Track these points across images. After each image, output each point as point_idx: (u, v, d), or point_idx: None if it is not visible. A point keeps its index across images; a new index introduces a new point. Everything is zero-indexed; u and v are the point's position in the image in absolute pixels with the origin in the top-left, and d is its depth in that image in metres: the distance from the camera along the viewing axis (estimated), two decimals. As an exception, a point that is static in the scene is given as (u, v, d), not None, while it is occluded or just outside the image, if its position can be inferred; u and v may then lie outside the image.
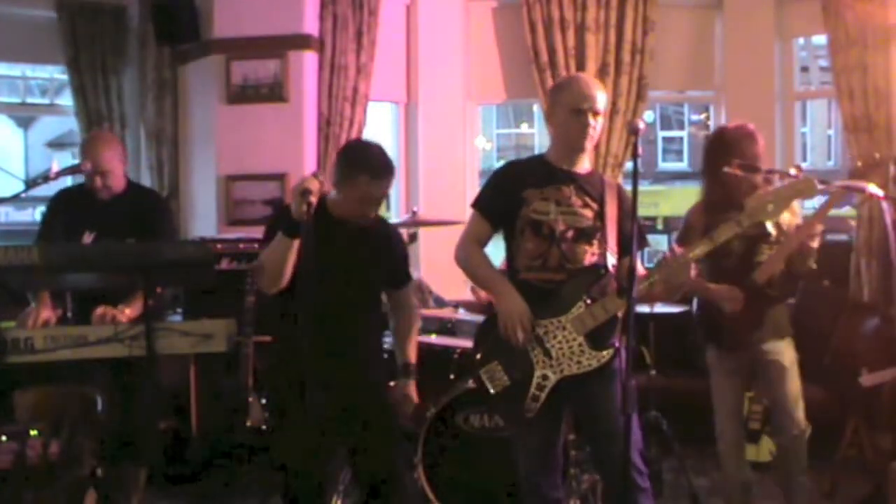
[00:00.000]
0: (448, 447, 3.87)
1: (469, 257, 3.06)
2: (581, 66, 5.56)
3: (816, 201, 5.10)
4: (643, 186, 9.78)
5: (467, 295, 4.98)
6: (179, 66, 5.73)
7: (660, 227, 17.27)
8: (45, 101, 15.33)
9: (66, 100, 6.09)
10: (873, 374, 4.01)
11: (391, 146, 5.86)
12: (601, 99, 2.98)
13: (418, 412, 3.39)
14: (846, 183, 3.59)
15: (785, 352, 3.55)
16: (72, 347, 2.86)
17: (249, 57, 5.37)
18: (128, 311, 3.39)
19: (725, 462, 3.64)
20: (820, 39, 6.14)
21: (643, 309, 3.94)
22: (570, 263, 2.95)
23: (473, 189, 5.66)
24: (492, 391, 2.98)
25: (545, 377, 2.90)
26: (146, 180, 5.71)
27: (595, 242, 2.98)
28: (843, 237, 5.61)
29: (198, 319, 3.06)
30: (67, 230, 3.64)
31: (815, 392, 3.85)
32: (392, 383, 3.26)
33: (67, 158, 13.55)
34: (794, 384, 3.53)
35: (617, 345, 2.91)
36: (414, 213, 4.66)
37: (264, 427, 4.24)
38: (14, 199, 3.69)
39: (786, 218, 3.46)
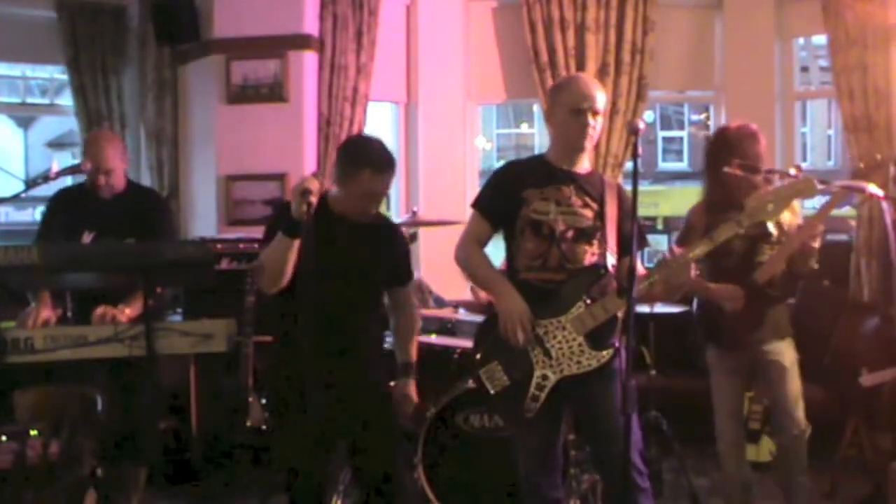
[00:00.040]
0: (448, 447, 3.87)
1: (469, 257, 3.06)
2: (581, 66, 5.56)
3: (817, 201, 5.11)
4: (643, 186, 9.78)
5: (467, 295, 4.98)
6: (179, 66, 5.74)
7: (660, 227, 17.27)
8: (45, 101, 15.34)
9: (66, 100, 6.09)
10: (873, 374, 4.01)
11: (391, 146, 5.84)
12: (601, 99, 2.98)
13: (418, 412, 3.38)
14: (846, 183, 3.59)
15: (785, 352, 3.55)
16: (72, 347, 2.86)
17: (249, 57, 5.37)
18: (128, 311, 3.39)
19: (725, 462, 3.64)
20: (820, 39, 6.14)
21: (643, 309, 3.94)
22: (570, 263, 2.95)
23: (473, 189, 5.66)
24: (491, 391, 2.98)
25: (545, 377, 2.90)
26: (146, 180, 5.71)
27: (595, 242, 2.98)
28: (843, 237, 5.62)
29: (198, 319, 3.06)
30: (67, 230, 3.64)
31: (815, 392, 3.85)
32: (392, 383, 3.26)
33: (67, 158, 13.55)
34: (794, 384, 3.53)
35: (617, 345, 2.91)
36: (414, 213, 4.67)
37: (264, 427, 4.24)
38: (14, 199, 3.69)
39: (787, 218, 3.47)
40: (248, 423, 4.25)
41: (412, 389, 3.17)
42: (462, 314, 4.60)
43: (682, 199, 15.67)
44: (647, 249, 3.27)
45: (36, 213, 12.81)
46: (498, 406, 3.30)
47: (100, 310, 3.35)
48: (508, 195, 3.03)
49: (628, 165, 5.55)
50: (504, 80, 6.04)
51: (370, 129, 5.69)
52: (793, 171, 3.27)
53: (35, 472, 3.01)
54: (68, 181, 3.85)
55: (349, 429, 3.03)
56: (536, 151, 4.92)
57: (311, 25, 5.39)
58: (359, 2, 5.45)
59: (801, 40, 6.45)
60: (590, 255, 2.97)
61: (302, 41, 5.37)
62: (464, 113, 6.07)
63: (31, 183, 3.64)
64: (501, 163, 3.89)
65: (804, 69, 11.19)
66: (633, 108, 5.61)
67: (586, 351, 2.88)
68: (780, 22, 5.77)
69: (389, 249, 3.14)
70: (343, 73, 5.41)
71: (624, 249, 2.97)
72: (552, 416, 2.98)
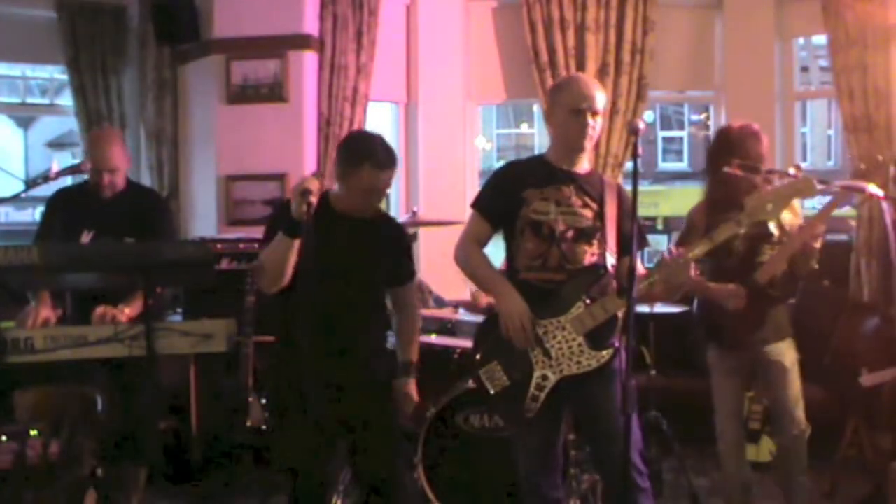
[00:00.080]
0: (448, 447, 3.87)
1: (469, 257, 3.06)
2: (581, 66, 5.56)
3: (817, 201, 5.10)
4: (643, 186, 9.78)
5: (467, 295, 4.98)
6: (179, 66, 5.73)
7: (660, 227, 17.29)
8: (45, 101, 15.33)
9: (66, 100, 6.09)
10: (873, 374, 4.01)
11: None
12: (600, 99, 2.98)
13: (418, 412, 3.38)
14: (846, 183, 3.59)
15: (786, 353, 3.55)
16: (72, 347, 2.86)
17: (249, 57, 5.37)
18: (128, 311, 3.39)
19: (725, 462, 3.65)
20: (820, 39, 6.14)
21: (643, 309, 3.94)
22: (570, 263, 2.95)
23: (473, 189, 5.66)
24: (491, 391, 2.98)
25: (545, 377, 2.90)
26: (146, 180, 5.71)
27: (595, 242, 2.98)
28: (843, 237, 5.61)
29: (198, 319, 3.06)
30: (66, 229, 3.64)
31: (815, 392, 3.85)
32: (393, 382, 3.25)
33: (67, 158, 13.56)
34: (795, 385, 3.53)
35: (616, 345, 2.91)
36: (414, 213, 4.67)
37: (264, 427, 4.24)
38: (14, 199, 3.70)
39: (788, 218, 3.47)
40: (248, 423, 4.25)
41: (412, 389, 3.16)
42: (462, 314, 4.60)
43: (682, 199, 15.68)
44: (647, 249, 3.27)
45: (36, 213, 12.81)
46: (498, 406, 3.30)
47: (100, 310, 3.36)
48: (508, 195, 3.02)
49: (628, 165, 5.55)
50: (504, 80, 6.03)
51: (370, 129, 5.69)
52: (792, 171, 3.27)
53: (35, 472, 3.01)
54: (68, 181, 3.86)
55: (349, 429, 3.02)
56: (536, 151, 4.92)
57: (311, 25, 5.39)
58: (359, 2, 5.45)
59: (801, 40, 6.45)
60: (589, 256, 2.97)
61: (302, 41, 5.37)
62: (464, 113, 6.07)
63: (31, 183, 3.64)
64: (501, 163, 3.89)
65: (804, 69, 11.19)
66: (633, 108, 5.61)
67: (586, 351, 2.88)
68: (780, 22, 5.77)
69: (390, 248, 3.12)
70: (343, 73, 5.41)
71: (624, 249, 2.97)
72: (552, 416, 2.98)
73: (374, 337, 3.13)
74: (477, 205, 3.11)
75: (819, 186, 3.02)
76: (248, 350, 4.28)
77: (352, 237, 3.00)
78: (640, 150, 2.70)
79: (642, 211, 2.84)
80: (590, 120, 2.95)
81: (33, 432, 3.29)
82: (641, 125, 2.70)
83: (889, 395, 4.16)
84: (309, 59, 5.39)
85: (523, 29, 5.68)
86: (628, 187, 2.83)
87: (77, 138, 6.16)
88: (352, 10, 5.42)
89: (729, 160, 3.40)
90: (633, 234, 2.70)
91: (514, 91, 6.07)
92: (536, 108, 16.84)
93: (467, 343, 3.74)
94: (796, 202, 3.54)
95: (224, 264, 4.63)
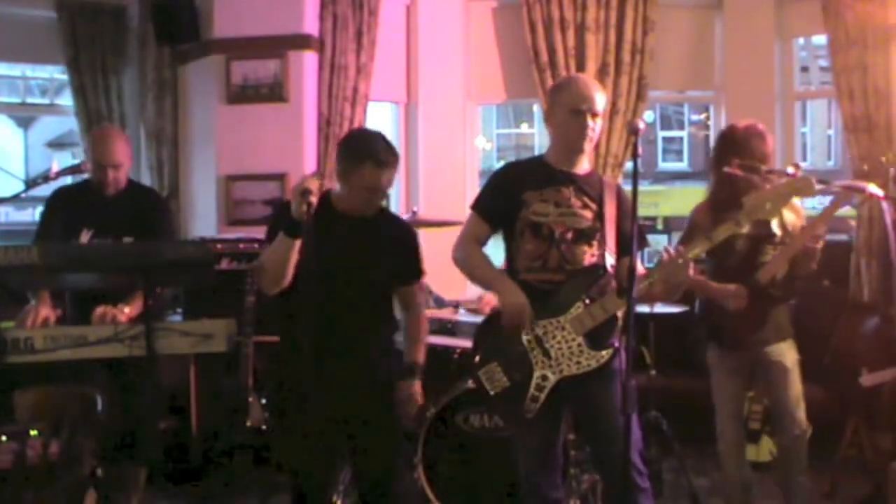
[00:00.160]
0: (448, 447, 3.87)
1: (469, 257, 3.06)
2: (581, 66, 5.56)
3: (817, 202, 5.10)
4: (643, 186, 9.78)
5: (467, 295, 4.98)
6: (179, 66, 5.74)
7: (660, 227, 17.30)
8: (45, 101, 15.33)
9: (66, 100, 6.09)
10: (873, 374, 4.01)
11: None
12: (600, 100, 2.98)
13: (419, 412, 3.38)
14: (845, 183, 3.59)
15: (787, 353, 3.55)
16: (72, 347, 2.86)
17: (249, 57, 5.37)
18: (128, 311, 3.39)
19: (725, 462, 3.65)
20: (820, 39, 6.14)
21: (643, 309, 3.93)
22: (570, 264, 2.95)
23: (473, 189, 5.67)
24: (491, 392, 2.98)
25: (544, 377, 2.90)
26: (146, 180, 5.71)
27: (594, 243, 2.98)
28: (843, 237, 5.61)
29: (198, 319, 3.05)
30: (66, 228, 3.64)
31: (815, 392, 3.85)
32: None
33: (67, 158, 13.57)
34: (796, 385, 3.54)
35: (616, 345, 2.91)
36: (414, 213, 4.66)
37: (264, 427, 4.24)
38: (14, 199, 3.70)
39: (791, 219, 3.47)
40: (248, 423, 4.25)
41: (416, 390, 3.12)
42: (462, 314, 4.60)
43: (682, 199, 15.70)
44: (647, 249, 3.27)
45: (36, 214, 12.80)
46: (498, 407, 3.30)
47: (100, 310, 3.35)
48: (508, 197, 3.03)
49: (628, 165, 5.55)
50: (504, 80, 6.04)
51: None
52: (791, 171, 3.27)
53: (35, 472, 3.01)
54: (68, 181, 3.86)
55: (349, 429, 3.02)
56: (536, 151, 4.92)
57: (311, 25, 5.39)
58: (359, 2, 5.45)
59: (801, 40, 6.45)
60: (589, 256, 2.97)
61: (302, 41, 5.37)
62: (464, 113, 6.07)
63: (31, 183, 3.64)
64: (501, 163, 3.89)
65: (804, 69, 11.19)
66: (633, 108, 5.61)
67: (585, 351, 2.88)
68: (780, 22, 5.77)
69: (391, 247, 3.08)
70: (343, 73, 5.41)
71: (623, 250, 2.97)
72: (552, 416, 2.98)
73: (375, 337, 3.09)
74: (476, 206, 3.12)
75: (818, 186, 3.02)
76: (248, 350, 4.28)
77: (352, 237, 2.99)
78: (640, 150, 2.69)
79: (642, 211, 2.84)
80: (589, 121, 2.95)
81: (33, 432, 3.29)
82: (641, 125, 2.70)
83: (889, 395, 4.15)
84: (309, 59, 5.39)
85: (523, 29, 5.68)
86: (628, 187, 2.83)
87: (77, 138, 6.17)
88: (352, 10, 5.42)
89: (733, 160, 3.40)
90: (632, 234, 2.70)
91: (514, 91, 6.07)
92: (536, 108, 16.84)
93: (467, 343, 3.73)
94: (798, 203, 3.55)
95: (224, 264, 4.63)
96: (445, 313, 4.64)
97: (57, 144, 16.89)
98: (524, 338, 2.93)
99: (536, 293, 2.92)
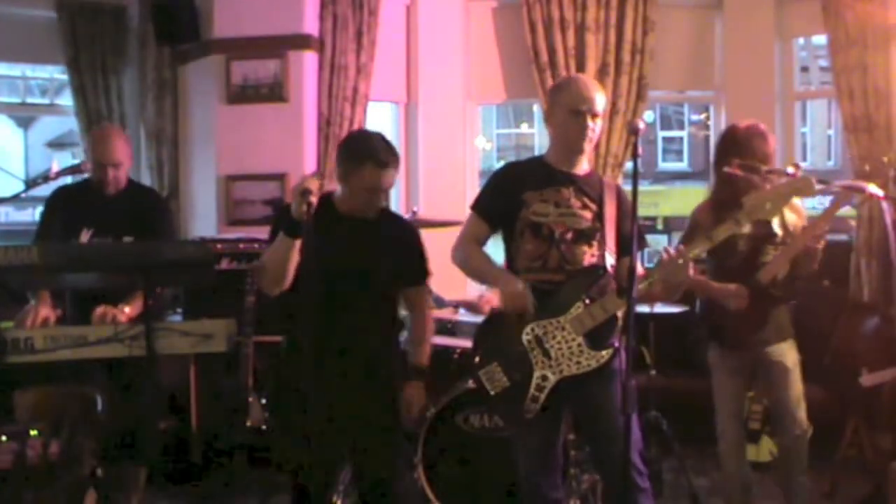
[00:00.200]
0: (448, 447, 3.87)
1: (469, 257, 3.07)
2: (581, 66, 5.56)
3: (817, 202, 5.09)
4: (643, 186, 9.78)
5: (467, 295, 4.98)
6: (179, 66, 5.73)
7: (660, 227, 17.30)
8: (45, 101, 15.32)
9: (66, 100, 6.09)
10: (873, 374, 4.01)
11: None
12: (600, 101, 2.98)
13: (420, 414, 3.38)
14: (845, 183, 3.59)
15: (788, 353, 3.55)
16: (72, 347, 2.86)
17: (249, 57, 5.37)
18: (128, 311, 3.39)
19: (726, 462, 3.65)
20: (820, 39, 6.14)
21: (643, 309, 3.93)
22: (570, 264, 2.95)
23: (473, 189, 5.67)
24: (491, 392, 2.98)
25: (544, 378, 2.89)
26: (146, 180, 5.71)
27: (594, 243, 2.98)
28: (843, 237, 5.61)
29: (198, 319, 3.06)
30: (66, 227, 3.64)
31: (815, 392, 3.85)
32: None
33: (67, 158, 13.56)
34: (797, 385, 3.54)
35: (616, 345, 2.91)
36: (414, 213, 4.66)
37: (264, 427, 4.24)
38: (14, 199, 3.70)
39: (792, 219, 3.48)
40: (248, 423, 4.25)
41: (418, 393, 3.11)
42: (462, 314, 4.60)
43: (682, 199, 15.71)
44: (647, 250, 3.27)
45: (36, 214, 12.80)
46: (498, 407, 3.30)
47: (100, 310, 3.36)
48: (508, 197, 3.03)
49: (628, 165, 5.55)
50: (504, 80, 6.03)
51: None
52: (791, 170, 3.27)
53: (35, 472, 3.01)
54: (68, 181, 3.86)
55: (349, 429, 3.02)
56: (536, 151, 4.92)
57: (311, 25, 5.39)
58: (359, 2, 5.45)
59: (801, 40, 6.44)
60: (589, 256, 2.97)
61: (302, 41, 5.37)
62: (464, 113, 6.07)
63: (31, 183, 3.64)
64: (501, 163, 3.89)
65: (804, 69, 11.18)
66: (633, 108, 5.61)
67: (585, 351, 2.88)
68: (780, 22, 5.77)
69: (391, 247, 3.07)
70: (343, 73, 5.41)
71: (623, 250, 2.97)
72: (552, 416, 2.98)
73: (376, 337, 3.08)
74: (476, 206, 3.12)
75: (818, 186, 3.02)
76: (248, 350, 4.28)
77: (352, 237, 2.99)
78: (640, 150, 2.69)
79: (642, 211, 2.84)
80: (589, 122, 2.95)
81: (33, 432, 3.29)
82: (641, 125, 2.70)
83: (889, 395, 4.16)
84: (309, 59, 5.39)
85: (523, 29, 5.67)
86: (628, 187, 2.83)
87: (77, 138, 6.17)
88: (352, 10, 5.42)
89: (735, 159, 3.40)
90: (632, 234, 2.70)
91: (514, 91, 6.07)
92: (536, 108, 16.84)
93: (467, 343, 3.73)
94: (800, 203, 3.55)
95: (224, 264, 4.63)
96: (445, 313, 4.64)
97: (57, 144, 16.89)
98: (524, 338, 2.93)
99: (536, 293, 2.92)
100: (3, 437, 3.45)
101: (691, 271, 2.86)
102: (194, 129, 5.72)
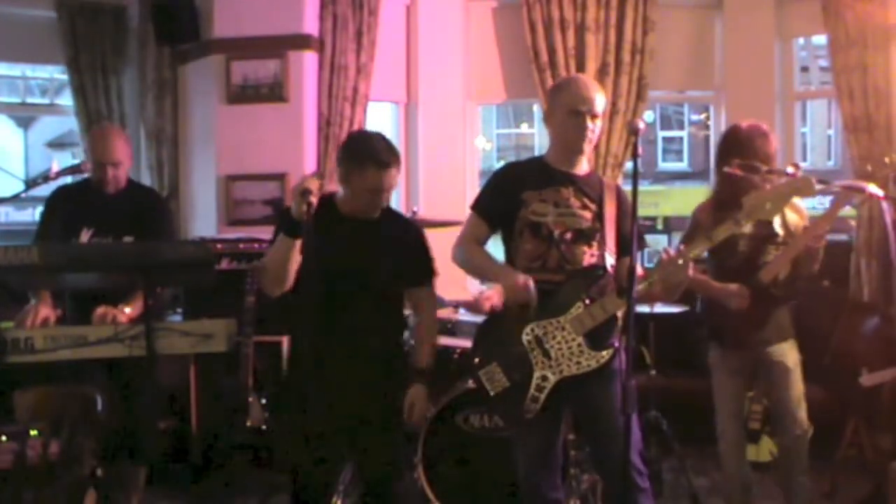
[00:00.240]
0: (448, 447, 3.87)
1: (469, 255, 3.07)
2: (581, 67, 5.56)
3: (817, 202, 5.09)
4: (643, 186, 9.78)
5: (467, 295, 4.98)
6: (179, 66, 5.74)
7: (660, 227, 17.30)
8: (45, 101, 15.33)
9: (66, 100, 6.09)
10: (873, 374, 4.01)
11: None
12: (599, 101, 2.98)
13: (420, 415, 3.37)
14: (845, 183, 3.59)
15: (788, 353, 3.55)
16: (72, 347, 2.86)
17: (249, 57, 5.37)
18: (129, 312, 3.39)
19: (726, 462, 3.65)
20: (820, 39, 6.14)
21: (643, 309, 3.94)
22: (569, 264, 2.95)
23: (473, 189, 5.67)
24: (491, 393, 2.98)
25: (544, 378, 2.89)
26: (146, 180, 5.71)
27: (594, 244, 2.98)
28: (843, 237, 5.61)
29: (198, 319, 3.06)
30: (66, 227, 3.65)
31: (815, 392, 3.85)
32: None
33: (67, 158, 13.57)
34: (797, 385, 3.54)
35: (616, 345, 2.91)
36: (414, 213, 4.66)
37: (264, 427, 4.24)
38: (14, 199, 3.69)
39: (793, 219, 3.48)
40: (248, 423, 4.26)
41: (419, 396, 3.08)
42: (462, 314, 4.60)
43: (682, 199, 15.70)
44: (647, 250, 3.27)
45: (36, 214, 12.79)
46: (498, 407, 3.29)
47: (100, 310, 3.36)
48: (507, 196, 3.03)
49: (628, 165, 5.55)
50: (504, 80, 6.04)
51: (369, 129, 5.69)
52: (790, 170, 3.27)
53: (35, 472, 3.01)
54: (68, 181, 3.86)
55: (349, 429, 3.02)
56: (536, 151, 4.92)
57: (311, 25, 5.39)
58: (359, 2, 5.45)
59: (801, 40, 6.45)
60: (589, 256, 2.97)
61: (302, 41, 5.37)
62: (464, 113, 6.07)
63: (31, 183, 3.64)
64: (501, 163, 3.89)
65: (804, 69, 11.18)
66: (633, 108, 5.61)
67: (585, 351, 2.88)
68: (780, 22, 5.77)
69: (394, 247, 3.06)
70: (343, 73, 5.41)
71: (623, 250, 2.97)
72: (552, 416, 2.98)
73: (376, 337, 3.06)
74: (476, 206, 3.12)
75: (818, 186, 3.02)
76: (248, 350, 4.28)
77: (352, 237, 2.99)
78: (640, 150, 2.69)
79: (642, 211, 2.84)
80: (589, 122, 2.95)
81: (33, 432, 3.28)
82: (641, 125, 2.70)
83: (889, 395, 4.16)
84: (309, 59, 5.39)
85: (523, 29, 5.67)
86: (628, 187, 2.83)
87: (77, 138, 6.17)
88: (352, 10, 5.42)
89: (737, 159, 3.40)
90: (632, 234, 2.70)
91: (514, 91, 6.07)
92: (536, 108, 16.85)
93: (467, 343, 3.73)
94: (801, 204, 3.55)
95: (224, 264, 4.63)
96: (445, 313, 4.64)
97: (57, 144, 16.90)
98: (524, 338, 2.93)
99: (536, 293, 2.92)
100: (3, 437, 3.45)
101: (691, 271, 2.86)
102: (194, 129, 5.72)
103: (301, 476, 3.03)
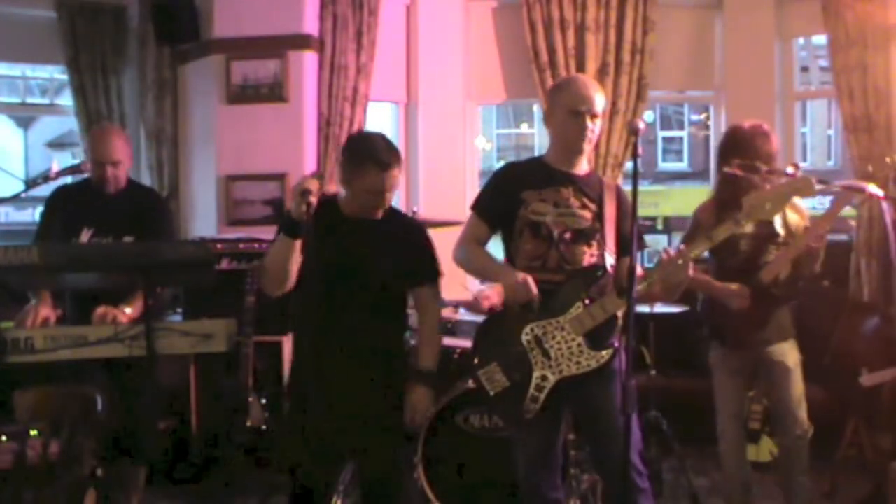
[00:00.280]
0: (448, 447, 3.87)
1: (470, 256, 3.07)
2: (581, 67, 5.56)
3: (817, 202, 5.09)
4: (643, 186, 9.78)
5: (467, 295, 4.97)
6: (179, 66, 5.74)
7: (660, 227, 17.30)
8: (45, 101, 15.35)
9: (66, 100, 6.09)
10: (873, 374, 4.00)
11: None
12: (599, 101, 2.98)
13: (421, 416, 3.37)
14: (845, 183, 3.59)
15: (789, 353, 3.56)
16: (72, 347, 2.86)
17: (249, 57, 5.37)
18: (129, 312, 3.39)
19: (726, 462, 3.65)
20: (820, 39, 6.14)
21: (643, 309, 3.94)
22: (569, 264, 2.95)
23: (473, 189, 5.67)
24: (491, 393, 2.98)
25: (544, 378, 2.89)
26: (146, 180, 5.71)
27: (594, 243, 2.98)
28: (843, 237, 5.61)
29: (198, 319, 3.06)
30: (66, 227, 3.65)
31: (815, 392, 3.85)
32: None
33: (67, 158, 13.58)
34: (798, 385, 3.54)
35: (616, 345, 2.91)
36: (414, 213, 4.66)
37: (264, 427, 4.24)
38: (14, 199, 3.69)
39: (794, 219, 3.48)
40: (248, 423, 4.26)
41: (421, 398, 3.06)
42: (462, 314, 4.60)
43: (682, 199, 15.70)
44: (647, 250, 3.27)
45: (36, 214, 12.80)
46: (497, 407, 3.29)
47: (100, 310, 3.36)
48: (507, 196, 3.03)
49: (628, 165, 5.55)
50: (504, 80, 6.03)
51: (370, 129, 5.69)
52: (790, 170, 3.27)
53: (35, 472, 3.01)
54: (68, 181, 3.86)
55: (350, 429, 3.02)
56: (536, 151, 4.92)
57: (311, 25, 5.39)
58: (359, 2, 5.45)
59: (801, 40, 6.45)
60: (588, 256, 2.97)
61: (302, 41, 5.37)
62: (464, 113, 6.07)
63: (31, 183, 3.64)
64: (501, 163, 3.89)
65: (804, 69, 11.19)
66: (633, 108, 5.61)
67: (585, 351, 2.88)
68: (780, 22, 5.77)
69: (394, 247, 3.04)
70: (343, 73, 5.41)
71: (623, 250, 2.97)
72: (552, 416, 2.98)
73: (376, 337, 3.04)
74: (476, 207, 3.12)
75: (818, 186, 3.02)
76: (248, 350, 4.28)
77: (353, 237, 2.99)
78: (640, 150, 2.69)
79: (642, 211, 2.84)
80: (588, 122, 2.95)
81: (33, 432, 3.28)
82: (641, 125, 2.69)
83: (889, 395, 4.16)
84: (309, 59, 5.39)
85: (523, 29, 5.67)
86: (628, 187, 2.83)
87: (77, 138, 6.17)
88: (352, 10, 5.42)
89: (738, 159, 3.40)
90: (632, 234, 2.70)
91: (514, 91, 6.07)
92: (536, 108, 16.85)
93: (467, 343, 3.73)
94: (801, 204, 3.55)
95: (224, 264, 4.63)
96: (445, 313, 4.63)
97: (57, 144, 16.91)
98: (524, 338, 2.93)
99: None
100: (3, 437, 3.45)
101: (691, 271, 2.86)
102: (194, 129, 5.72)
103: (301, 476, 3.03)
